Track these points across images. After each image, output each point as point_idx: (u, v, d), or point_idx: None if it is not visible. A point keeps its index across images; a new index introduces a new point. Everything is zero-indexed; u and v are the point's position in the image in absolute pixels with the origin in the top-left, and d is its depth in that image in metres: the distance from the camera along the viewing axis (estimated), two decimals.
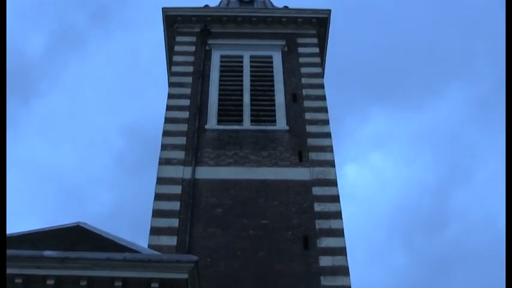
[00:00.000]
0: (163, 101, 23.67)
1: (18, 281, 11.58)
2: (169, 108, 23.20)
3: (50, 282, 11.64)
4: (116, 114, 68.37)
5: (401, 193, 63.43)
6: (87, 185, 63.98)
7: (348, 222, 19.91)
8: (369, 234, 56.68)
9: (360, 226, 53.37)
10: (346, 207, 20.34)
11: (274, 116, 23.06)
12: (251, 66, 24.92)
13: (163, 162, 21.27)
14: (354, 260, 19.13)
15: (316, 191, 20.55)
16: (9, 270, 11.54)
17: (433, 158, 63.61)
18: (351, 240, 19.52)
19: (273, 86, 24.25)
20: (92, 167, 65.79)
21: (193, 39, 26.16)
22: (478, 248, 56.10)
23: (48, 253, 11.80)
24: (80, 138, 66.63)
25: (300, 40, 26.23)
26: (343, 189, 21.05)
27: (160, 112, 23.12)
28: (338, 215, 19.81)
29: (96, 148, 66.22)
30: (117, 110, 68.88)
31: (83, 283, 11.70)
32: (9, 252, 11.75)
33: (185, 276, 11.82)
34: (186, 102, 23.42)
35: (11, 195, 57.04)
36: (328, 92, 24.32)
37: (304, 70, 24.85)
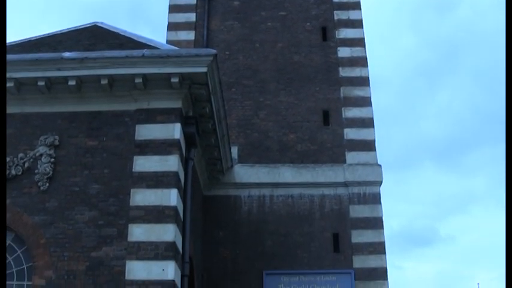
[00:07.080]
0: None
1: (41, 83, 11.76)
2: None
3: (72, 83, 11.79)
4: None
5: None
6: None
7: None
8: (375, 11, 54.74)
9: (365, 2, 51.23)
10: None
11: None
12: None
13: None
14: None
15: None
16: (31, 74, 11.77)
17: None
18: None
19: None
20: None
21: None
22: (487, 31, 54.83)
23: (67, 54, 11.82)
24: None
25: None
26: None
27: None
28: (357, 5, 19.46)
29: None
30: None
31: (104, 82, 11.81)
32: (29, 56, 11.88)
33: (204, 69, 11.82)
34: None
35: None
36: None
37: None
